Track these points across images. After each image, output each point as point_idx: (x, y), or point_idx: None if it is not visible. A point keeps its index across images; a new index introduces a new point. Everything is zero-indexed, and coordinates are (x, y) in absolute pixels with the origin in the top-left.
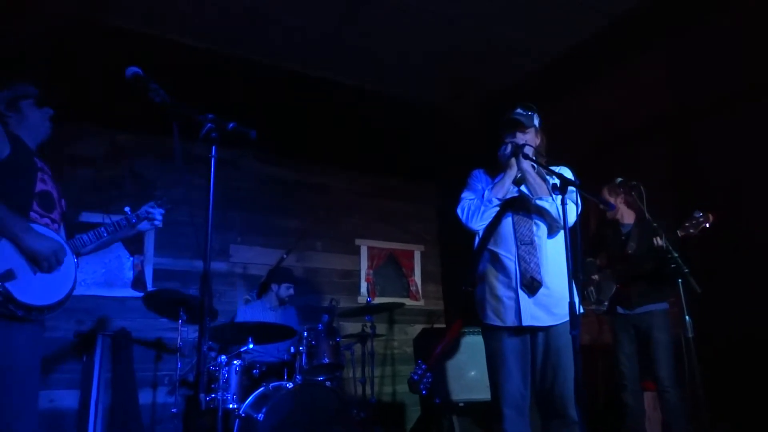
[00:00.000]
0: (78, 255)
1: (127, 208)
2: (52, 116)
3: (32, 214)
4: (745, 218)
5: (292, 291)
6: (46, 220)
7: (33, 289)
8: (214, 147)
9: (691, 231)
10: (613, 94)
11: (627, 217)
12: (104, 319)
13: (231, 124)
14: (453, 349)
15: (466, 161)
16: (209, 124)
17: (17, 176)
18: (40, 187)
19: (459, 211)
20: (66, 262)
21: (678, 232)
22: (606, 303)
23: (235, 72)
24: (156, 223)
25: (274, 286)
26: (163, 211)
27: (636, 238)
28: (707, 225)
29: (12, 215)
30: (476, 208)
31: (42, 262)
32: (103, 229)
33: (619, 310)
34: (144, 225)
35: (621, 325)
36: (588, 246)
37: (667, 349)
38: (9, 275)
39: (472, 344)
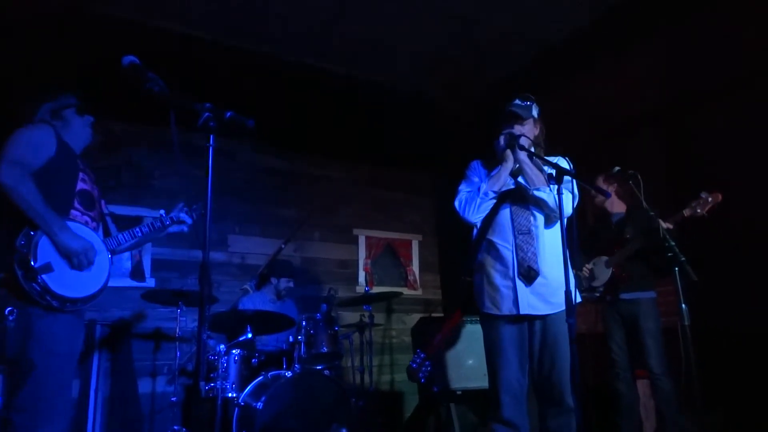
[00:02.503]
0: (113, 253)
1: (162, 212)
2: (92, 123)
3: (73, 211)
4: (741, 207)
5: (291, 284)
6: (86, 218)
7: (67, 283)
8: (212, 136)
9: (698, 211)
10: (609, 84)
11: (617, 206)
12: (103, 309)
13: (228, 113)
14: (452, 338)
15: (463, 151)
16: (207, 114)
17: (60, 175)
18: (80, 186)
19: (456, 203)
20: (99, 260)
21: (684, 211)
22: (601, 289)
23: (232, 62)
24: (184, 228)
25: (273, 280)
26: (191, 221)
27: (632, 223)
28: (715, 205)
29: (51, 214)
30: (473, 201)
31: (72, 259)
32: (138, 230)
33: (608, 297)
34: (174, 228)
35: (610, 313)
36: (583, 238)
37: (655, 336)
38: (47, 268)
39: (471, 333)
